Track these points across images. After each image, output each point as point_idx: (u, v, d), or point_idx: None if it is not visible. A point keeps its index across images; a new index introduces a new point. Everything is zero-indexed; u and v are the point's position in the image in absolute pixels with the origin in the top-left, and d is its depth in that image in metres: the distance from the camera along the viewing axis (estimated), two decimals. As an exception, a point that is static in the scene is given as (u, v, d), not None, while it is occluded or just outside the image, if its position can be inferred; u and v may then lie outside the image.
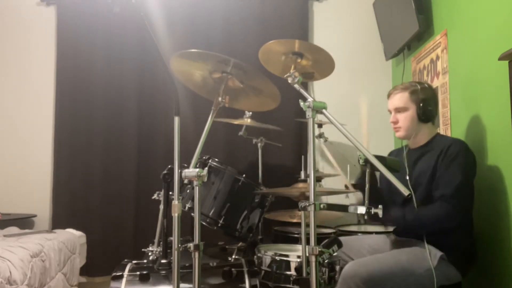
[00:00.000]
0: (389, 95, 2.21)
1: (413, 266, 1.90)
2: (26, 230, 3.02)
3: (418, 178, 2.07)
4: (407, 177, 2.08)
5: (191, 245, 1.61)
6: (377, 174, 2.25)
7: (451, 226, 1.95)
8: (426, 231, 1.97)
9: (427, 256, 1.91)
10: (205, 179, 1.63)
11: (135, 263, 2.13)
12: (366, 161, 1.80)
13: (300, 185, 2.11)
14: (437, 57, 2.70)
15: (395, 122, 2.16)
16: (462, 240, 2.00)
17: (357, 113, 3.48)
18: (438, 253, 1.94)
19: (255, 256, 2.10)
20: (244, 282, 1.98)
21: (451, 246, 1.96)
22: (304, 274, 1.64)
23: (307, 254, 1.47)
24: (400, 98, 2.13)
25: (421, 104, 2.09)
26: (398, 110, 2.14)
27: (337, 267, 1.97)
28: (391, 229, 2.32)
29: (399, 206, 2.10)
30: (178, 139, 1.65)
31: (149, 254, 2.32)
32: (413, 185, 2.05)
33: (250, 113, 2.80)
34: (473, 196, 2.01)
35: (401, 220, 2.02)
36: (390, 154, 2.42)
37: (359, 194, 2.95)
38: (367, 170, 1.83)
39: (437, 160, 2.02)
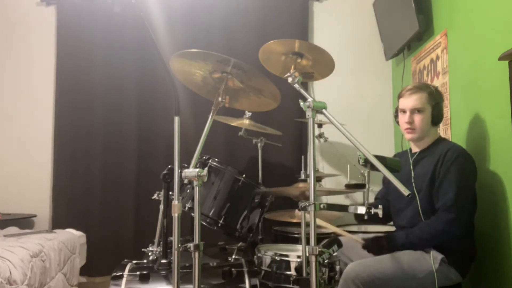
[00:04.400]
0: (402, 95, 2.14)
1: (415, 269, 1.90)
2: (26, 230, 3.02)
3: (418, 182, 2.06)
4: (413, 181, 2.08)
5: (191, 245, 1.60)
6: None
7: (455, 235, 1.94)
8: (433, 244, 1.96)
9: (428, 259, 1.91)
10: (205, 179, 1.62)
11: (135, 263, 2.13)
12: (366, 161, 1.80)
13: (300, 185, 2.12)
14: (437, 57, 2.70)
15: (410, 123, 2.09)
16: (463, 243, 1.99)
17: (357, 113, 3.48)
18: (439, 256, 1.93)
19: (255, 256, 2.10)
20: (244, 282, 1.98)
21: (453, 249, 1.96)
22: (304, 274, 1.64)
23: (307, 254, 1.47)
24: (419, 99, 2.07)
25: (436, 107, 2.08)
26: (416, 110, 2.08)
27: (337, 267, 1.97)
28: (393, 229, 2.31)
29: (400, 228, 2.12)
30: (178, 139, 1.65)
31: (149, 254, 2.32)
32: (415, 189, 2.05)
33: (250, 113, 2.80)
34: (475, 201, 2.00)
35: (406, 241, 1.99)
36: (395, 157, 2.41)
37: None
38: (367, 170, 1.83)
39: (435, 166, 2.01)
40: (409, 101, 2.09)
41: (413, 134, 2.11)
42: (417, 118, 2.08)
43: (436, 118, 2.10)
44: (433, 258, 1.91)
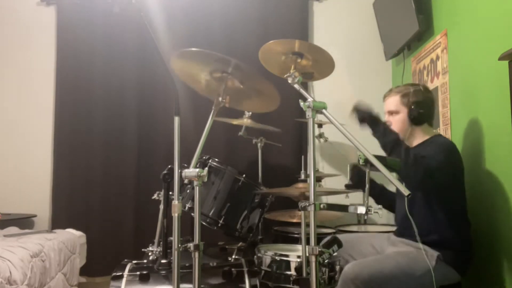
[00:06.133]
0: (384, 98, 2.26)
1: (413, 268, 1.90)
2: (26, 230, 3.02)
3: None
4: None
5: (191, 245, 1.60)
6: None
7: (423, 173, 1.88)
8: (410, 165, 1.91)
9: (425, 257, 1.91)
10: (205, 179, 1.63)
11: (135, 263, 2.12)
12: (366, 161, 1.80)
13: (300, 185, 2.12)
14: (437, 57, 2.70)
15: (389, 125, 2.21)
16: (458, 240, 1.99)
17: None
18: (434, 253, 1.94)
19: (255, 256, 2.11)
20: (244, 282, 1.98)
21: (447, 246, 1.96)
22: (304, 274, 1.64)
23: (307, 254, 1.47)
24: (392, 102, 2.19)
25: (412, 107, 2.12)
26: (391, 113, 2.20)
27: (337, 267, 1.97)
28: (393, 228, 2.32)
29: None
30: (178, 139, 1.65)
31: (149, 254, 2.32)
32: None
33: (250, 113, 2.81)
34: (463, 188, 2.02)
35: (385, 133, 2.07)
36: None
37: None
38: (367, 170, 1.83)
39: None
40: (386, 104, 2.24)
41: None
42: (393, 120, 2.19)
43: (415, 118, 2.12)
44: (429, 256, 1.91)
